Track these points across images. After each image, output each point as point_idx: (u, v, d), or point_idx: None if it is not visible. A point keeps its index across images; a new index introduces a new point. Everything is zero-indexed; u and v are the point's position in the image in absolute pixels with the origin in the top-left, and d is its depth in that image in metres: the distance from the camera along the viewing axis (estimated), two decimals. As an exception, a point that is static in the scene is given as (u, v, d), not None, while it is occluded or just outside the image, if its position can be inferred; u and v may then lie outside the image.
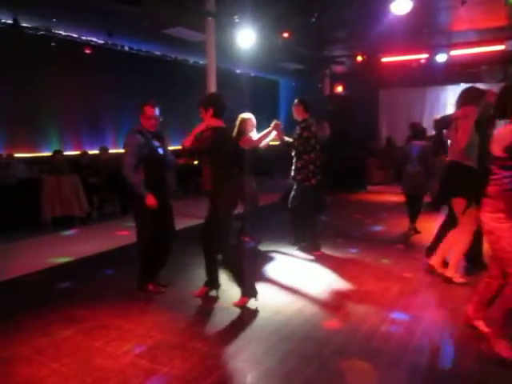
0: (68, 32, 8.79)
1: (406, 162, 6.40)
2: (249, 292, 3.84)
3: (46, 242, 6.31)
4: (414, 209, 6.50)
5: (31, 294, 4.30)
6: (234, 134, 5.43)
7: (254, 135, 5.45)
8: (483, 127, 4.19)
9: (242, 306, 3.80)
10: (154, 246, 4.07)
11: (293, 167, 5.42)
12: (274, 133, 5.24)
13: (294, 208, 5.50)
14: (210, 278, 4.13)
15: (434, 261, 4.54)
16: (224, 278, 4.17)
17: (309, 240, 5.61)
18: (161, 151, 4.08)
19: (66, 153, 8.22)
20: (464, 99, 4.25)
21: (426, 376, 2.77)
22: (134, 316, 3.69)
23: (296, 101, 5.42)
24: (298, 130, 5.34)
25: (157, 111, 4.02)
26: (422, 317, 3.62)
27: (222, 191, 3.79)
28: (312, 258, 5.34)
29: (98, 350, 3.13)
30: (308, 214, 5.48)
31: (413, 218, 6.51)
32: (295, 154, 5.36)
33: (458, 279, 4.31)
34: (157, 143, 4.05)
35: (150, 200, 3.86)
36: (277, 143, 5.63)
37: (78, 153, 9.03)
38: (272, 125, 5.18)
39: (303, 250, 5.60)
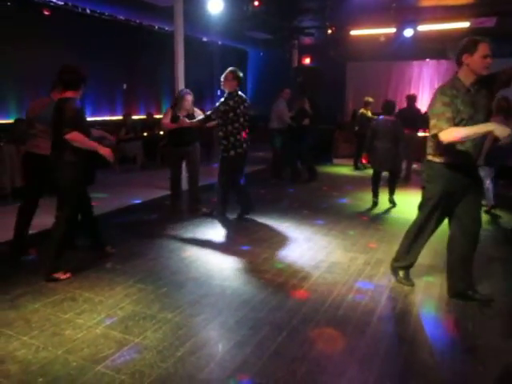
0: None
1: (375, 138, 6.47)
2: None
3: (8, 214, 6.06)
4: (390, 183, 6.71)
5: (-6, 267, 4.18)
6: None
7: (197, 112, 5.90)
8: None
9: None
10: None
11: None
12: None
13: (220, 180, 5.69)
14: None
15: None
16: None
17: (217, 210, 5.81)
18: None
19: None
20: None
21: (389, 342, 2.92)
22: (103, 288, 3.66)
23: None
24: (217, 103, 5.56)
25: None
26: (386, 286, 3.79)
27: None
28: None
29: (68, 321, 3.11)
30: (224, 184, 5.63)
31: (390, 191, 6.72)
32: (218, 125, 5.54)
33: None
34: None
35: None
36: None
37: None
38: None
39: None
